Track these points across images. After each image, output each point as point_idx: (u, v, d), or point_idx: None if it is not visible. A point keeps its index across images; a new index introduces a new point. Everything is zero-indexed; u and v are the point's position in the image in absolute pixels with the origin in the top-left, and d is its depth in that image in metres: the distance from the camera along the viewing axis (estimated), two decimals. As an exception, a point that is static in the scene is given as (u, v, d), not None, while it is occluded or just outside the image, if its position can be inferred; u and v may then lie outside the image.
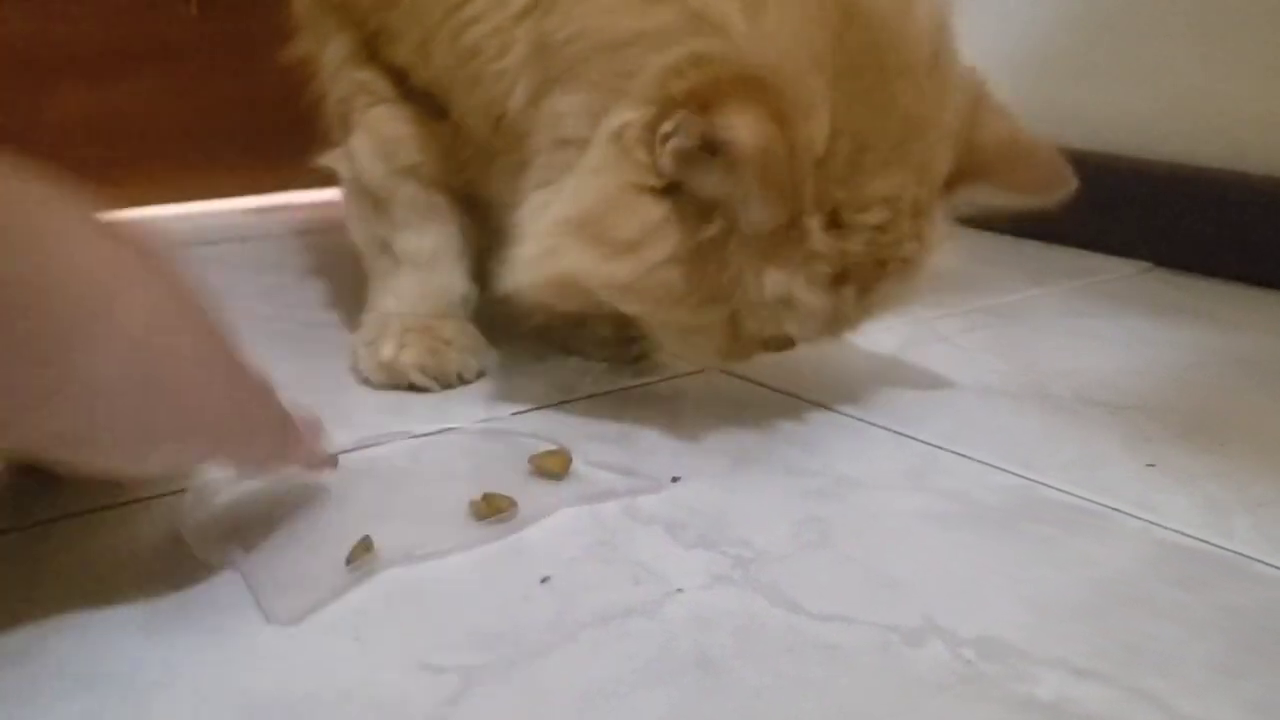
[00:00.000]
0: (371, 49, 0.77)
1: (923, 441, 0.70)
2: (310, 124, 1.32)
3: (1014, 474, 0.66)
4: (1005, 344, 0.92)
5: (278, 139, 1.33)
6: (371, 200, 0.79)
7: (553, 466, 0.63)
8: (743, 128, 0.56)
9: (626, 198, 0.61)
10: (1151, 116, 1.26)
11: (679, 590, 0.52)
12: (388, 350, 0.76)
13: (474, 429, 0.70)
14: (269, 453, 0.53)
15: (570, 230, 0.62)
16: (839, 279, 0.63)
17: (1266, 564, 0.57)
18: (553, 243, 0.62)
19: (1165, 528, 0.60)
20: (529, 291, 0.64)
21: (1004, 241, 1.31)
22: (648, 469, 0.65)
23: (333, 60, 0.80)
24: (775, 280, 0.62)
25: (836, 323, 0.67)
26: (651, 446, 0.68)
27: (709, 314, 0.64)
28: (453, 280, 0.80)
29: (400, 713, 0.43)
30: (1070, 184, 0.69)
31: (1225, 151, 1.20)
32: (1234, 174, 1.18)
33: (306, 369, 0.79)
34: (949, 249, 0.69)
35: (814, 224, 0.61)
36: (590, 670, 0.46)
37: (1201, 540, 0.59)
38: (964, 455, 0.69)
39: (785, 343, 0.69)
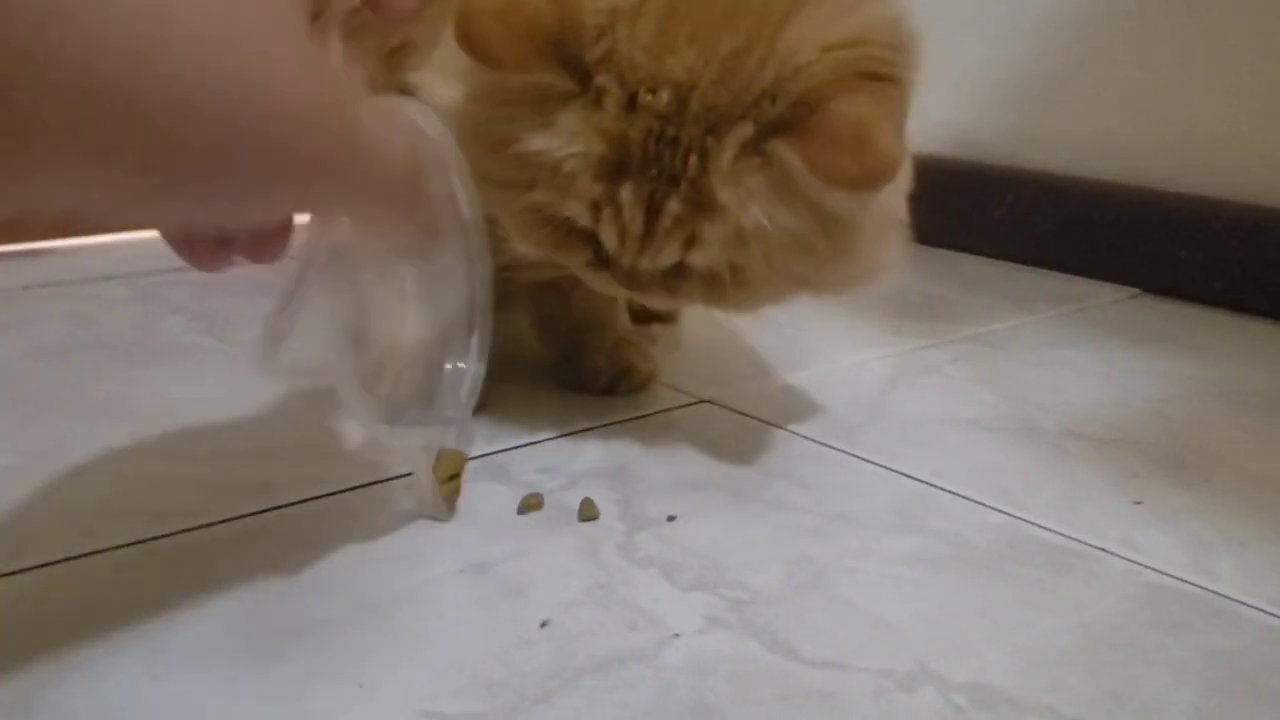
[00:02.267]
0: None
1: (913, 478, 0.72)
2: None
3: (1003, 512, 0.68)
4: (992, 375, 0.93)
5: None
6: None
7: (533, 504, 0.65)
8: None
9: None
10: (1136, 143, 1.27)
11: (676, 635, 0.53)
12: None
13: (472, 465, 0.71)
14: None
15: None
16: (616, 170, 0.60)
17: (1249, 605, 0.58)
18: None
19: (1150, 568, 0.62)
20: None
21: (989, 266, 1.33)
22: (644, 507, 0.66)
23: None
24: (544, 139, 0.60)
25: (624, 238, 0.62)
26: (648, 483, 0.69)
27: (505, 169, 0.62)
28: None
29: (406, 763, 0.44)
30: (865, 191, 0.59)
31: (1210, 178, 1.22)
32: (1218, 200, 1.20)
33: (298, 401, 0.80)
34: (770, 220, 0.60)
35: (613, 94, 0.59)
36: (589, 718, 0.47)
37: (1186, 581, 0.61)
38: (954, 493, 0.70)
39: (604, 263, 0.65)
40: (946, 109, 1.42)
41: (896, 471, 0.73)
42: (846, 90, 0.57)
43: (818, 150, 0.57)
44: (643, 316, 0.94)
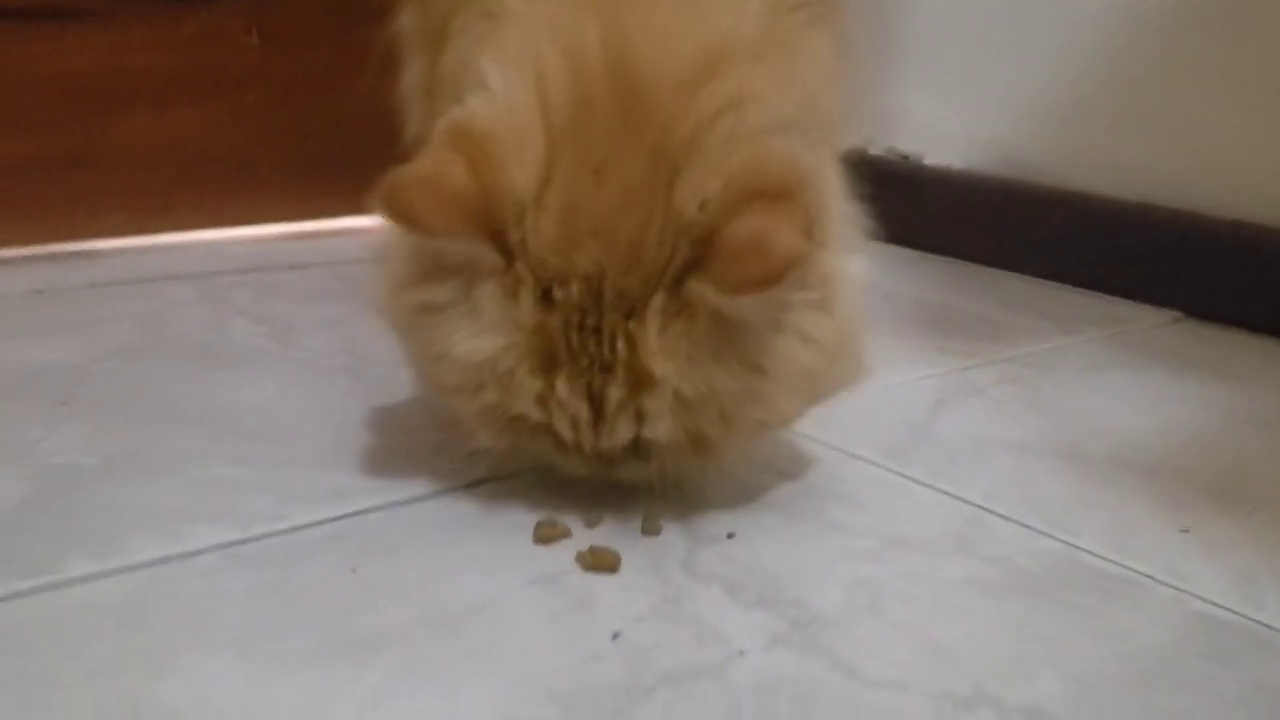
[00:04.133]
0: None
1: (966, 501, 0.74)
2: (364, 152, 1.36)
3: (1054, 538, 0.69)
4: (1037, 398, 0.95)
5: (332, 166, 1.38)
6: None
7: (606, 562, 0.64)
8: (412, 166, 0.60)
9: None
10: (1183, 167, 1.28)
11: (741, 653, 0.56)
12: None
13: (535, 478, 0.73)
14: None
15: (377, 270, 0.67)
16: (548, 363, 0.61)
17: (1294, 639, 0.60)
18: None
19: (1198, 597, 0.64)
20: None
21: (1031, 285, 1.34)
22: (704, 524, 0.68)
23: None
24: (473, 341, 0.61)
25: (576, 427, 0.62)
26: (706, 501, 0.72)
27: (452, 375, 0.63)
28: None
29: (492, 769, 0.46)
30: (770, 287, 0.58)
31: (1257, 204, 1.23)
32: (1264, 226, 1.21)
33: (366, 409, 0.83)
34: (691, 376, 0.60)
35: (528, 289, 0.60)
36: (663, 731, 0.49)
37: (1233, 611, 0.62)
38: (1005, 517, 0.72)
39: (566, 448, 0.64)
40: (994, 128, 1.43)
41: (949, 494, 0.75)
42: (739, 211, 0.58)
43: (721, 269, 0.58)
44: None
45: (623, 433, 0.62)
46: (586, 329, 0.60)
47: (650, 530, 0.67)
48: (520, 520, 0.67)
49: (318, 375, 0.91)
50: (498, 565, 0.62)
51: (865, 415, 0.87)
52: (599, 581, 0.62)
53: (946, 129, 1.49)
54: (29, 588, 0.58)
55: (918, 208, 1.48)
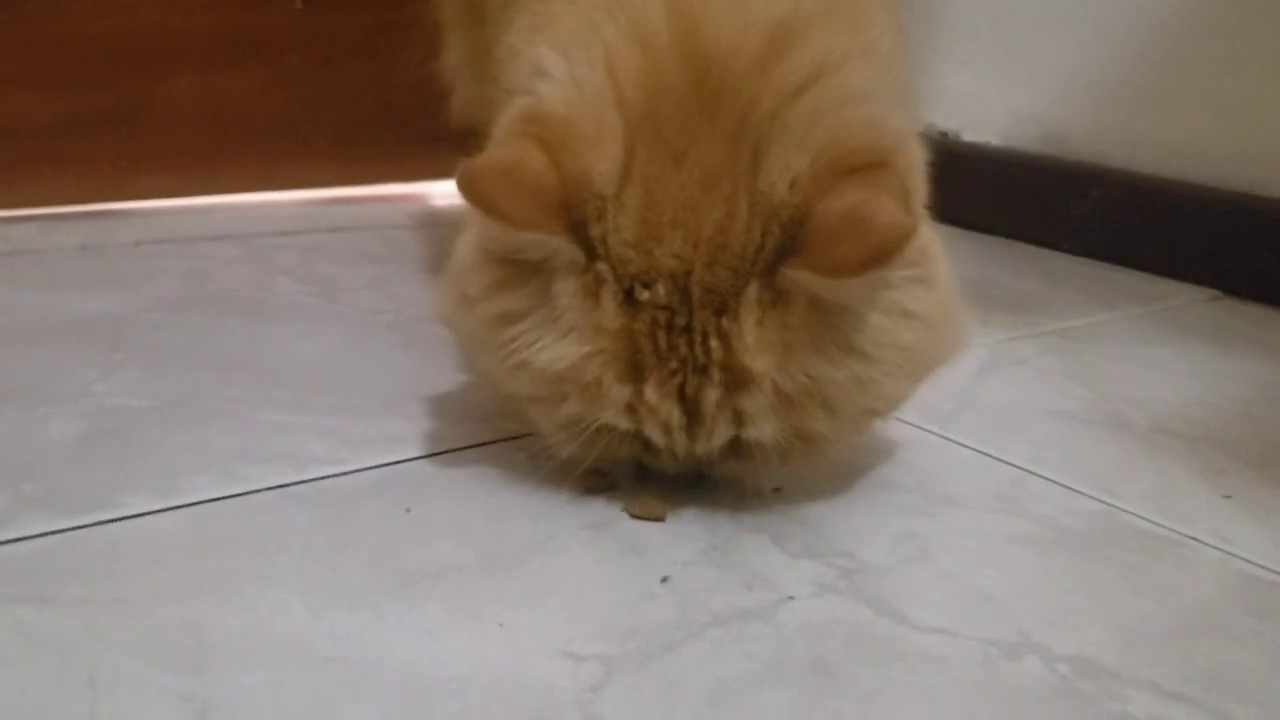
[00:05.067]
0: None
1: (1010, 464, 0.74)
2: (406, 117, 1.38)
3: (1098, 500, 0.70)
4: (1080, 369, 0.95)
5: (374, 131, 1.39)
6: None
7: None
8: (489, 155, 0.57)
9: (473, 249, 0.62)
10: (1223, 146, 1.28)
11: (790, 598, 0.56)
12: None
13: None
14: None
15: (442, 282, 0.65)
16: (634, 369, 0.57)
17: (1340, 600, 0.60)
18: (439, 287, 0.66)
19: (1244, 559, 0.64)
20: None
21: (1071, 262, 1.34)
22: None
23: None
24: (554, 349, 0.58)
25: (669, 431, 0.59)
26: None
27: (532, 386, 0.60)
28: None
29: (549, 696, 0.47)
30: (876, 268, 0.55)
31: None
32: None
33: (417, 363, 0.84)
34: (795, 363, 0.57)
35: (609, 292, 0.57)
36: (716, 667, 0.50)
37: (1278, 573, 0.63)
38: (1050, 480, 0.72)
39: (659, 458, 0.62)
40: (1036, 105, 1.43)
41: (993, 457, 0.75)
42: (831, 188, 0.55)
43: (818, 252, 0.54)
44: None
45: (721, 435, 0.59)
46: (675, 329, 0.57)
47: (694, 484, 0.67)
48: (567, 469, 0.67)
49: (366, 330, 0.92)
50: (548, 511, 0.63)
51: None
52: (647, 529, 0.62)
53: (985, 105, 1.48)
54: (92, 521, 0.59)
55: (955, 184, 1.48)
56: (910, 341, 0.60)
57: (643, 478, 0.67)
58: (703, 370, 0.57)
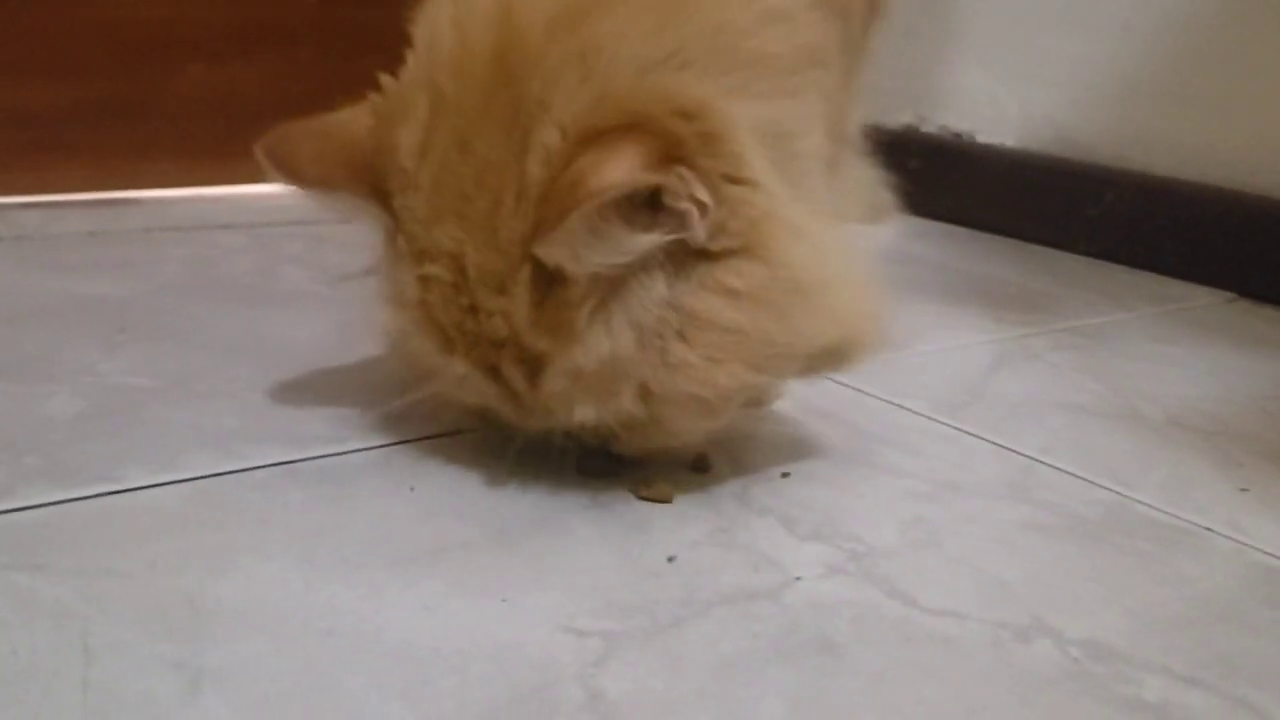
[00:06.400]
0: None
1: (1021, 454, 0.73)
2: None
3: (1110, 490, 0.69)
4: (1094, 364, 0.94)
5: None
6: None
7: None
8: (315, 118, 0.60)
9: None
10: (1237, 147, 1.27)
11: (797, 578, 0.55)
12: None
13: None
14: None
15: None
16: (445, 342, 0.58)
17: (1358, 591, 0.59)
18: None
19: (1260, 550, 0.63)
20: None
21: (1084, 263, 1.33)
22: (757, 463, 0.68)
23: None
24: (394, 321, 0.60)
25: (504, 407, 0.59)
26: (759, 442, 0.71)
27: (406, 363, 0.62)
28: None
29: (551, 670, 0.46)
30: (570, 215, 0.52)
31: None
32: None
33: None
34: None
35: (405, 264, 0.58)
36: (721, 645, 0.49)
37: (1294, 564, 0.61)
38: (1061, 469, 0.71)
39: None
40: (1049, 107, 1.42)
41: (1004, 447, 0.74)
42: (575, 157, 0.52)
43: (542, 220, 0.53)
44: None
45: (548, 415, 0.58)
46: (461, 306, 0.56)
47: (700, 467, 0.67)
48: (573, 452, 0.66)
49: (370, 318, 0.90)
50: (553, 491, 0.62)
51: (920, 374, 0.87)
52: (653, 510, 0.61)
53: (999, 107, 1.47)
54: (90, 493, 0.58)
55: (969, 185, 1.47)
56: (735, 322, 0.55)
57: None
58: (498, 349, 0.56)
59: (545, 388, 0.56)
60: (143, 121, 1.26)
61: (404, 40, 0.60)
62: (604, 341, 0.55)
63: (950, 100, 1.52)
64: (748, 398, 0.61)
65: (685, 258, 0.55)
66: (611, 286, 0.55)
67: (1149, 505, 0.67)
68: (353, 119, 0.59)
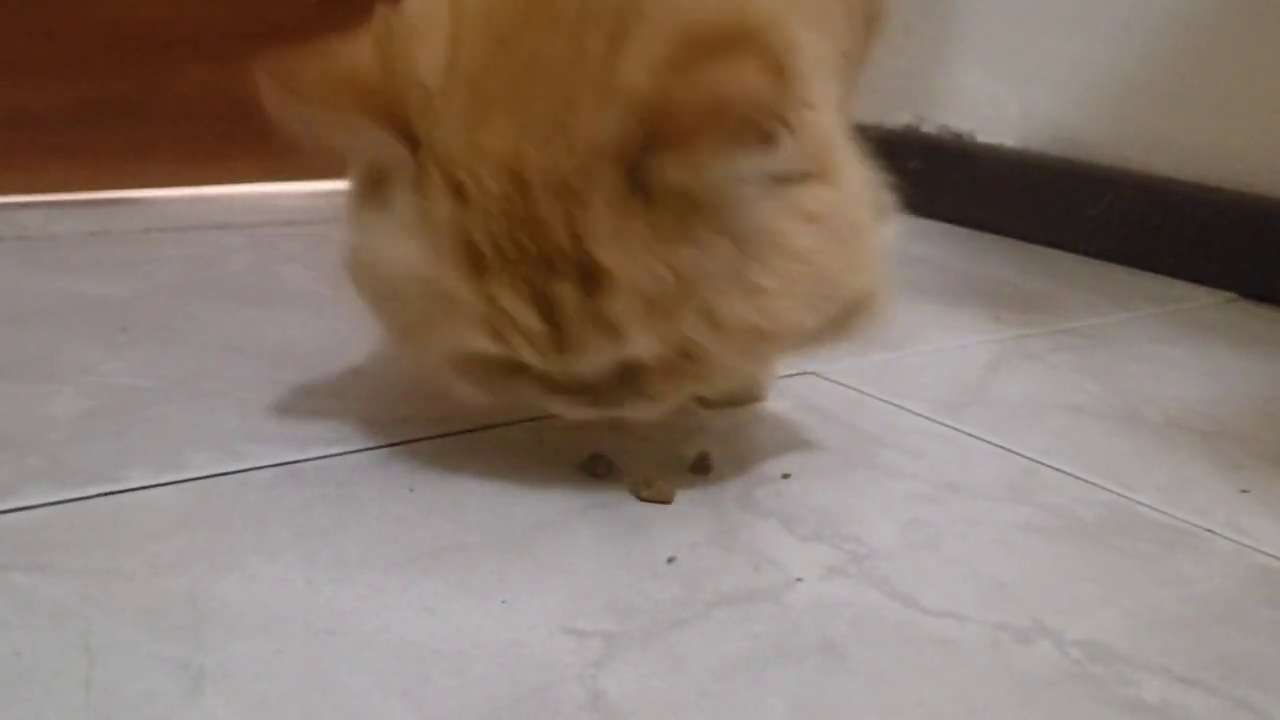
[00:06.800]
0: None
1: (1021, 455, 0.73)
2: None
3: (1111, 491, 0.69)
4: (1094, 365, 0.94)
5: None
6: None
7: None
8: (315, 47, 0.53)
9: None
10: (1238, 147, 1.27)
11: (798, 580, 0.55)
12: None
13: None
14: None
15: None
16: (476, 267, 0.53)
17: (1358, 592, 0.59)
18: None
19: (1261, 551, 0.63)
20: None
21: (1084, 263, 1.33)
22: (758, 465, 0.68)
23: None
24: (403, 253, 0.54)
25: (534, 343, 0.54)
26: (760, 444, 0.71)
27: (400, 311, 0.58)
28: None
29: (552, 671, 0.46)
30: (740, 146, 0.50)
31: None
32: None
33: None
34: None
35: (434, 183, 0.52)
36: (721, 646, 0.49)
37: (1295, 566, 0.62)
38: (1062, 471, 0.71)
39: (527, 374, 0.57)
40: (1049, 107, 1.42)
41: (1003, 448, 0.74)
42: (693, 68, 0.49)
43: (680, 138, 0.49)
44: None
45: (596, 349, 0.54)
46: (513, 219, 0.51)
47: (701, 468, 0.67)
48: (573, 453, 0.67)
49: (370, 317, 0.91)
50: (553, 492, 0.62)
51: (919, 374, 0.87)
52: (654, 511, 0.61)
53: (999, 107, 1.47)
54: (92, 493, 0.58)
55: (969, 185, 1.47)
56: (809, 248, 0.54)
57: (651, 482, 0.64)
58: (551, 266, 0.52)
59: (603, 308, 0.52)
60: (143, 122, 1.26)
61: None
62: (684, 256, 0.52)
63: (950, 100, 1.52)
64: (793, 346, 0.60)
65: (766, 179, 0.53)
66: (697, 202, 0.52)
67: (1149, 506, 0.67)
68: (355, 45, 0.54)
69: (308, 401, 0.72)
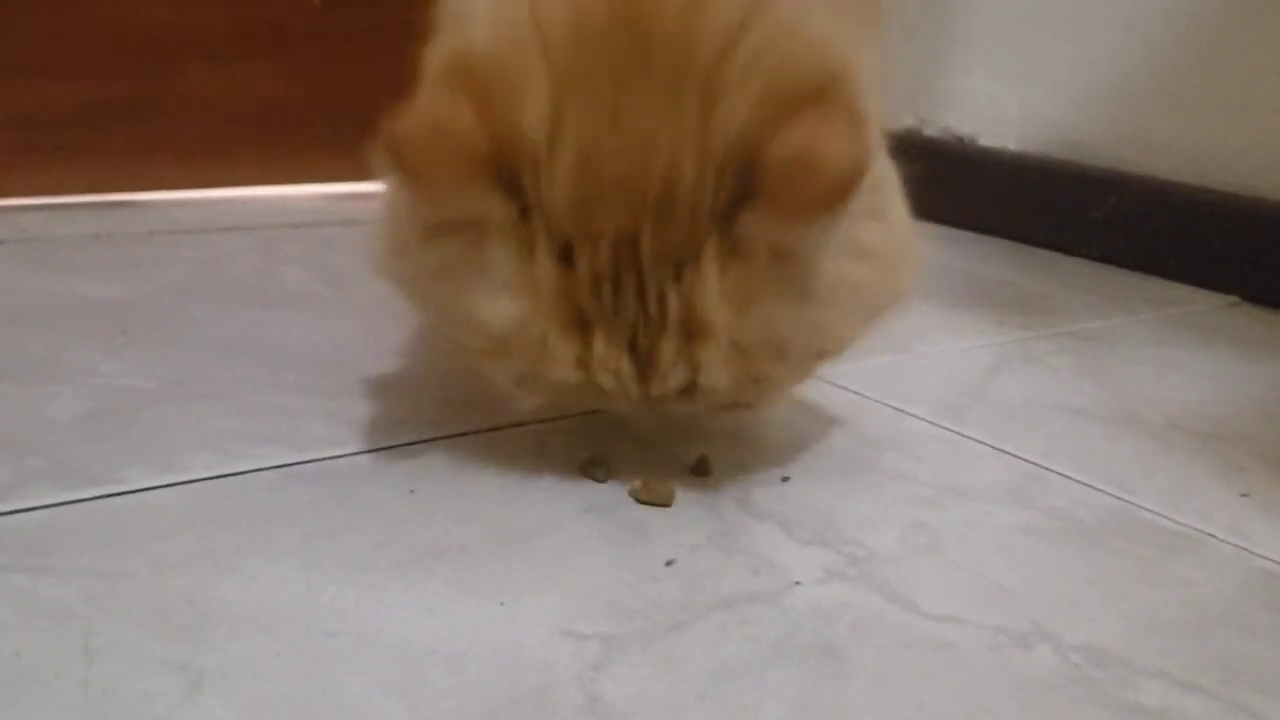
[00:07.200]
0: None
1: (1022, 458, 0.73)
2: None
3: (1112, 495, 0.69)
4: (1095, 368, 0.94)
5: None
6: None
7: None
8: (416, 113, 0.52)
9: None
10: (1242, 150, 1.27)
11: (797, 583, 0.55)
12: None
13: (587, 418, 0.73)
14: None
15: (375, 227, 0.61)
16: (579, 326, 0.55)
17: (1359, 596, 0.59)
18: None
19: (1261, 555, 0.63)
20: None
21: (1087, 266, 1.33)
22: (758, 467, 0.68)
23: None
24: (490, 306, 0.55)
25: (620, 381, 0.57)
26: (760, 446, 0.71)
27: (476, 339, 0.57)
28: None
29: (550, 673, 0.46)
30: (831, 209, 0.52)
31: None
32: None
33: (423, 351, 0.83)
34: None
35: (544, 249, 0.54)
36: (721, 649, 0.49)
37: (1295, 570, 0.62)
38: (1062, 474, 0.71)
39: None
40: (1051, 110, 1.42)
41: (1004, 452, 0.74)
42: (779, 126, 0.51)
43: (773, 198, 0.51)
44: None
45: (675, 382, 0.57)
46: (624, 287, 0.54)
47: (701, 471, 0.67)
48: (572, 456, 0.67)
49: (372, 319, 0.91)
50: (552, 494, 0.62)
51: (920, 377, 0.87)
52: (653, 514, 0.61)
53: (1001, 110, 1.47)
54: (93, 494, 0.58)
55: (971, 189, 1.47)
56: (864, 279, 0.58)
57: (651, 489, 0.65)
58: (654, 324, 0.55)
59: (696, 354, 0.55)
60: (145, 124, 1.27)
61: (410, 37, 0.58)
62: (774, 311, 0.55)
63: (952, 102, 1.52)
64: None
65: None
66: (782, 255, 0.54)
67: (1150, 510, 0.67)
68: (451, 109, 0.52)
69: (308, 403, 0.72)
